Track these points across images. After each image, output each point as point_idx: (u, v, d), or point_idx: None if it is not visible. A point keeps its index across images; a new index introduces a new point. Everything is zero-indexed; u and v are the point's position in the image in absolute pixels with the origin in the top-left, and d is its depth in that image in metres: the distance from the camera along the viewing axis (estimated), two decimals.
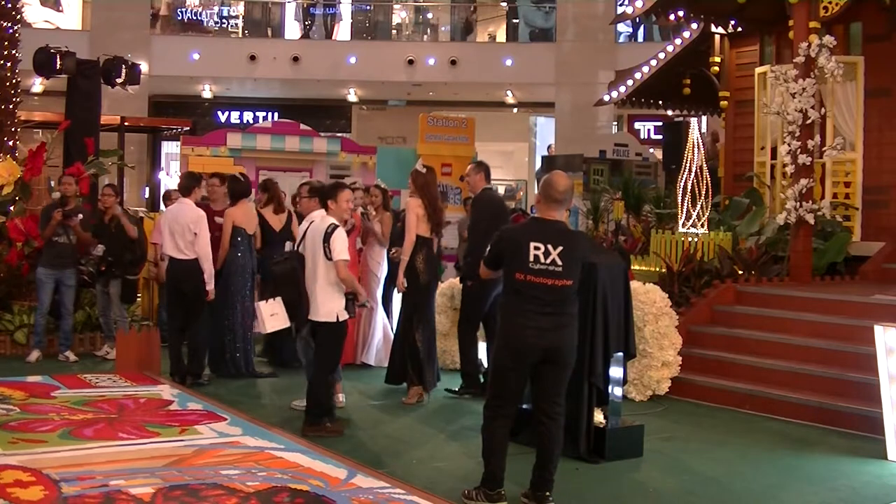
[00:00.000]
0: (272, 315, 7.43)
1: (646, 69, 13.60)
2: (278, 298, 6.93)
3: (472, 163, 8.51)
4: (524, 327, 5.09)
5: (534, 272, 5.07)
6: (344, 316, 6.64)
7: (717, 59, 12.61)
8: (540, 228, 5.18)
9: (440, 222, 7.95)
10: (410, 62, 20.65)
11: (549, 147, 21.84)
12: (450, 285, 9.15)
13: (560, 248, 5.10)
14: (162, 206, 14.13)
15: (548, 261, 5.07)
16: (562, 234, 5.18)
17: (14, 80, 11.14)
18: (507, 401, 5.25)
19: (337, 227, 6.62)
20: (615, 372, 6.38)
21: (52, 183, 11.16)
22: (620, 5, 19.65)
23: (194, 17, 21.72)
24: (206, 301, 8.41)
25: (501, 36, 22.90)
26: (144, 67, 16.35)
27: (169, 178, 19.42)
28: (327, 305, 6.61)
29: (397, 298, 8.52)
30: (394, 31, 22.69)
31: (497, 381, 5.25)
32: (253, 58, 20.44)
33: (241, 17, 22.20)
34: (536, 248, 5.09)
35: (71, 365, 9.10)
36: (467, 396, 8.02)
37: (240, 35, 21.95)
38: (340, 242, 6.57)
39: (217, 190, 8.97)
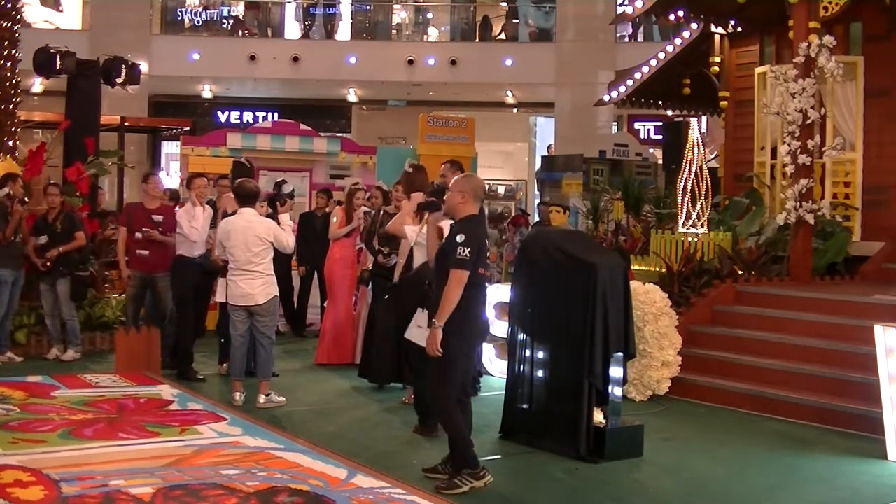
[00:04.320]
0: (418, 326, 7.27)
1: (646, 69, 13.59)
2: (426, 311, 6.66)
3: (445, 163, 8.14)
4: (481, 317, 5.65)
5: (485, 266, 5.61)
6: None
7: (717, 59, 12.60)
8: (483, 225, 5.70)
9: None
10: (410, 62, 20.65)
11: (549, 147, 21.84)
12: None
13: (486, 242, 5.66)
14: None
15: (487, 254, 5.67)
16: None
17: (14, 80, 11.12)
18: (459, 387, 5.60)
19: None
20: (615, 372, 6.38)
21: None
22: (620, 5, 19.65)
23: (198, 18, 21.71)
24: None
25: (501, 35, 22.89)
26: (144, 67, 16.33)
27: (169, 178, 19.41)
28: None
29: None
30: (394, 31, 22.68)
31: (456, 372, 5.52)
32: (253, 58, 20.43)
33: (241, 16, 22.18)
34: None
35: (71, 364, 9.11)
36: None
37: (240, 35, 21.92)
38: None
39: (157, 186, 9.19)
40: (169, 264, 8.87)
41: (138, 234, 8.85)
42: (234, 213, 8.67)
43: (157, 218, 8.86)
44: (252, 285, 7.49)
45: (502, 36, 22.43)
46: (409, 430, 6.89)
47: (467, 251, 5.31)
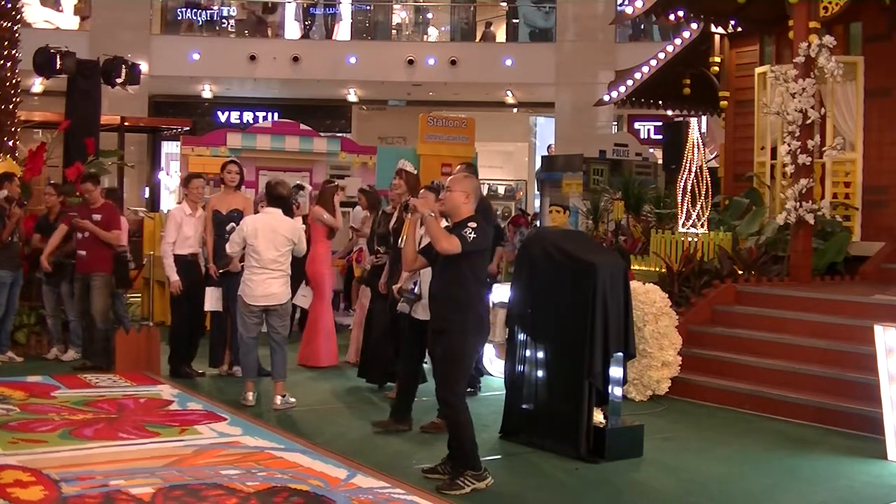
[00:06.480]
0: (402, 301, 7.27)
1: (646, 69, 13.59)
2: None
3: (461, 165, 8.19)
4: (487, 315, 5.77)
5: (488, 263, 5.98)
6: None
7: (717, 59, 12.59)
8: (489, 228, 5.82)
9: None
10: (410, 62, 20.65)
11: (549, 147, 21.84)
12: None
13: None
14: (164, 206, 14.11)
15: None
16: None
17: (14, 80, 11.12)
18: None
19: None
20: (615, 372, 6.38)
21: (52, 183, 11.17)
22: (620, 5, 19.64)
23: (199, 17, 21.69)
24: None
25: (501, 36, 22.91)
26: (144, 67, 16.34)
27: (169, 178, 19.42)
28: None
29: None
30: (394, 32, 22.68)
31: (467, 370, 5.64)
32: (253, 58, 20.43)
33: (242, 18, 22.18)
34: None
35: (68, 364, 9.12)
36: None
37: (245, 34, 21.89)
38: None
39: (94, 193, 9.03)
40: (109, 266, 8.96)
41: (79, 234, 8.92)
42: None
43: (96, 217, 8.90)
44: (274, 284, 7.52)
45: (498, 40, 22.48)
46: (408, 430, 6.89)
47: (472, 236, 5.38)
